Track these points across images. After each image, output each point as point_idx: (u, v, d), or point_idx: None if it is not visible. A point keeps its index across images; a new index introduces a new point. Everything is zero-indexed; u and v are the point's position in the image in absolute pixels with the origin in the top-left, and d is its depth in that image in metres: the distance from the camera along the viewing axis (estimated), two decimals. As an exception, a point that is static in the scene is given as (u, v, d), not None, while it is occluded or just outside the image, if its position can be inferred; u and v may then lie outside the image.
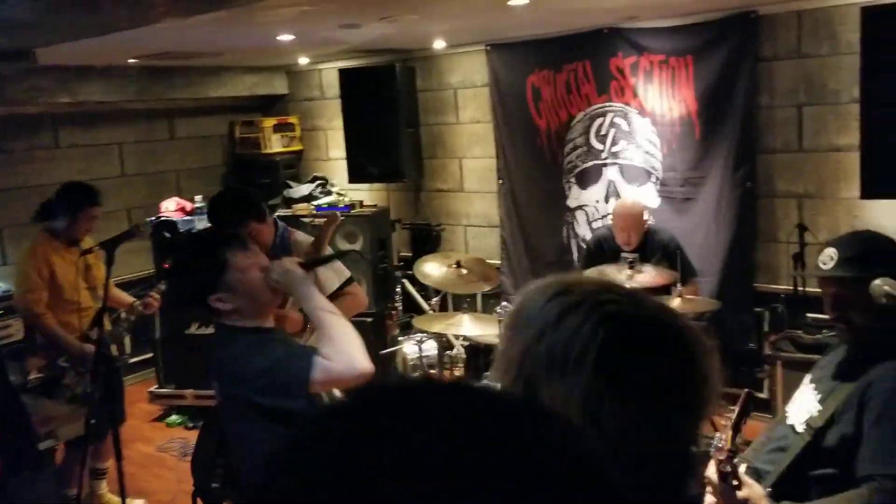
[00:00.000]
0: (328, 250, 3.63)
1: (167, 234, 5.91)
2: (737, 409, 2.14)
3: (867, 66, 3.98)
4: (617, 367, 0.89)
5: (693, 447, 0.96)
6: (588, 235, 5.83)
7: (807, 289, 4.84)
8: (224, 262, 2.35)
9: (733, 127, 5.19)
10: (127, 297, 4.70)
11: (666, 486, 0.92)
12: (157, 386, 6.16)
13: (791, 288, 4.94)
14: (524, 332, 0.96)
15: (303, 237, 3.92)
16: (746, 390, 2.19)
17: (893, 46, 3.85)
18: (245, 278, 2.39)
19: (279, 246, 3.75)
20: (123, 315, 4.59)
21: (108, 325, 4.36)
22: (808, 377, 2.54)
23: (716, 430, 2.59)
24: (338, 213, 3.80)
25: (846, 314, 2.34)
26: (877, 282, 2.15)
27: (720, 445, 2.05)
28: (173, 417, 6.10)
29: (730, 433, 2.05)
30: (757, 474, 2.35)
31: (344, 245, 6.05)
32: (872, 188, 4.04)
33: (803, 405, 2.41)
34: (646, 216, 5.09)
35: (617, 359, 0.90)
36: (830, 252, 2.35)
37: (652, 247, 4.87)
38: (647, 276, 4.33)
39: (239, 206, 3.60)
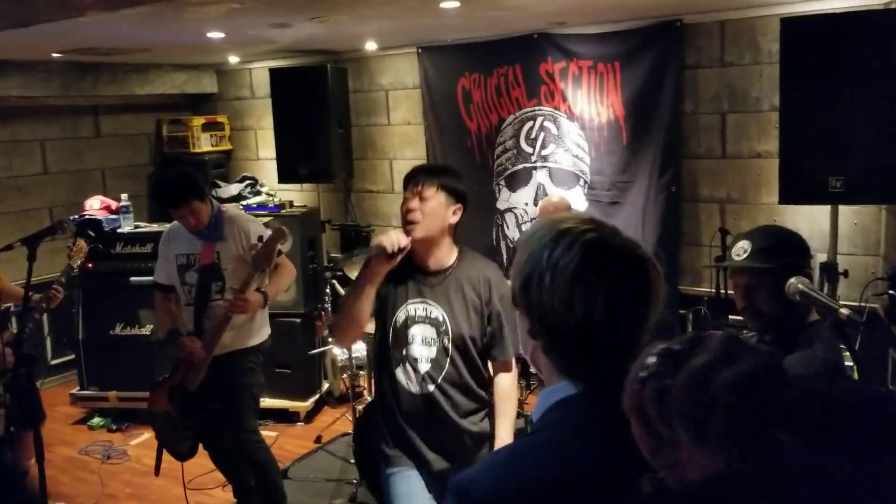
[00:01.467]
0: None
1: (91, 234, 5.76)
2: None
3: (786, 75, 4.09)
4: (584, 273, 1.32)
5: (641, 332, 1.35)
6: (517, 237, 5.89)
7: (729, 291, 4.97)
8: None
9: (659, 132, 5.30)
10: (19, 290, 4.37)
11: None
12: (79, 388, 6.02)
13: (713, 290, 5.07)
14: (529, 248, 1.39)
15: (235, 213, 4.20)
16: None
17: (811, 56, 3.98)
18: None
19: (213, 224, 3.96)
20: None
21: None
22: None
23: None
24: (284, 229, 3.92)
25: (755, 303, 2.44)
26: (792, 280, 2.25)
27: None
28: (96, 420, 5.96)
29: None
30: None
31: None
32: (790, 194, 4.16)
33: None
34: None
35: (586, 268, 1.32)
36: (744, 244, 2.46)
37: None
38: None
39: (184, 185, 3.87)
